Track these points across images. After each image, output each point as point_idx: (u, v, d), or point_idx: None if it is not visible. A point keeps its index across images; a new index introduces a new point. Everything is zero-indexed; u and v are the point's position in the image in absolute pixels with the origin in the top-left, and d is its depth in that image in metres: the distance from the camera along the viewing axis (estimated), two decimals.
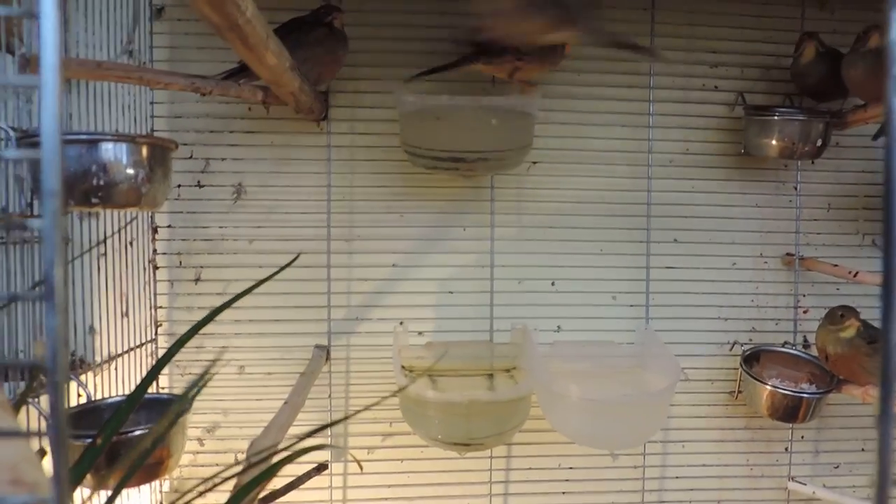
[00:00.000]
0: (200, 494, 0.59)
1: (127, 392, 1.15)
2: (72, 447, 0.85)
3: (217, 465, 1.28)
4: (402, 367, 1.25)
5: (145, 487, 1.21)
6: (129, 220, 1.18)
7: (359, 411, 1.25)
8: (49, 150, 0.25)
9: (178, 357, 1.28)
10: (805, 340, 1.38)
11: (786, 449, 1.39)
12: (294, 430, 1.29)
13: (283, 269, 0.86)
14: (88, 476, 0.86)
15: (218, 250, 1.29)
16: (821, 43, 1.24)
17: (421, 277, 1.32)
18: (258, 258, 1.28)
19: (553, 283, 1.34)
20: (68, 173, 0.79)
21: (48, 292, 0.26)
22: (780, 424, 1.36)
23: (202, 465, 1.30)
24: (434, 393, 1.08)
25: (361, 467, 1.27)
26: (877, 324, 1.26)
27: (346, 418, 1.28)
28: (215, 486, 0.59)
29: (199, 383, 0.67)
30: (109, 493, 0.78)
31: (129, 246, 1.22)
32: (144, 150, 0.83)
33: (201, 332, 1.28)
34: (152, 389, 1.22)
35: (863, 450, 1.39)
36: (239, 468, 0.71)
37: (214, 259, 1.29)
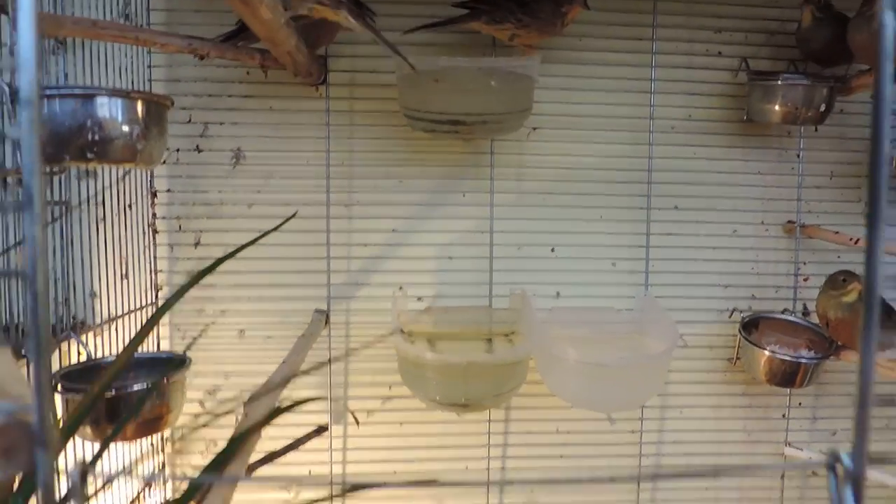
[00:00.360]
0: (194, 430, 0.60)
1: None
2: (70, 401, 0.86)
3: (219, 426, 1.30)
4: (402, 331, 1.26)
5: (147, 444, 1.23)
6: (123, 174, 1.18)
7: (358, 348, 1.26)
8: (25, 51, 0.25)
9: (178, 320, 1.30)
10: (805, 308, 1.38)
11: (783, 415, 1.39)
12: (293, 394, 1.30)
13: (280, 226, 0.86)
14: (89, 430, 0.87)
15: (217, 215, 1.29)
16: (818, 7, 1.22)
17: (420, 243, 1.32)
18: (258, 223, 1.28)
19: (553, 250, 1.34)
20: (63, 128, 0.79)
21: (27, 201, 0.26)
22: (778, 391, 1.36)
23: (204, 427, 1.31)
24: (432, 354, 1.08)
25: (358, 423, 1.28)
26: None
27: (346, 355, 1.29)
28: (204, 425, 0.59)
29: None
30: (111, 445, 0.79)
31: (127, 209, 1.22)
32: (139, 106, 0.83)
33: (201, 295, 1.29)
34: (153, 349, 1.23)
35: None
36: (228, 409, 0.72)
37: (214, 223, 1.29)
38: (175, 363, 1.02)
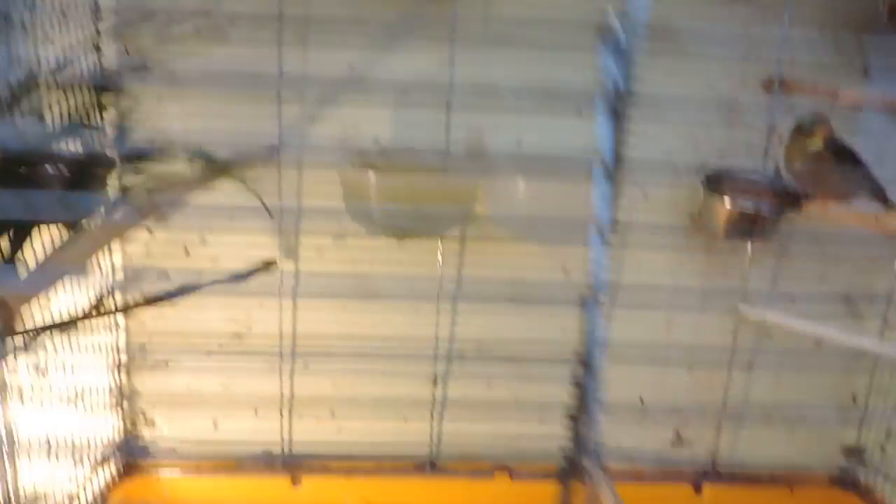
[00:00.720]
0: None
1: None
2: None
3: (168, 253, 1.31)
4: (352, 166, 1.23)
5: None
6: None
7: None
8: None
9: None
10: (776, 168, 1.33)
11: (742, 276, 1.37)
12: (241, 237, 1.28)
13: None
14: None
15: (165, 34, 1.24)
16: None
17: (379, 78, 1.27)
18: (208, 45, 1.23)
19: (515, 94, 1.29)
20: None
21: None
22: (739, 251, 1.34)
23: (154, 255, 1.33)
24: (374, 174, 1.05)
25: (271, 215, 1.25)
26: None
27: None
28: None
29: None
30: None
31: (62, 18, 1.16)
32: None
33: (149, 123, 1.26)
34: None
35: (822, 278, 1.38)
36: None
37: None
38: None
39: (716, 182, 1.27)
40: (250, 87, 1.25)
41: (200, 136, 1.27)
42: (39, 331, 0.97)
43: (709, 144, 1.33)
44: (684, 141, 1.33)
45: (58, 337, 1.16)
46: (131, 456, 1.47)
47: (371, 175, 1.04)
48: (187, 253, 1.35)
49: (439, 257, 1.32)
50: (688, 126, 1.32)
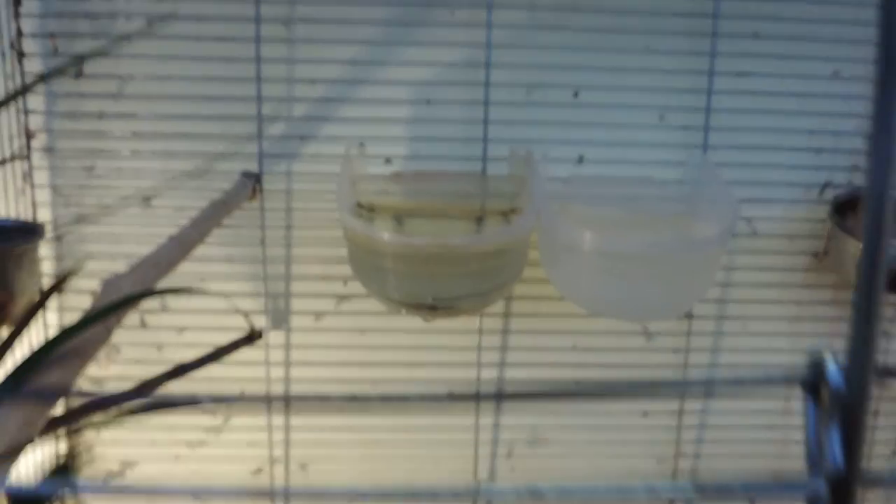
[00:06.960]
0: None
1: None
2: None
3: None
4: (360, 204, 1.04)
5: None
6: None
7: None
8: None
9: (61, 181, 1.10)
10: None
11: (885, 331, 1.17)
12: (208, 286, 1.11)
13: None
14: None
15: (107, 31, 1.06)
16: None
17: (390, 80, 1.09)
18: (162, 46, 1.05)
19: (576, 94, 1.11)
20: None
21: None
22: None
23: None
24: (390, 235, 0.86)
25: (257, 336, 1.06)
26: None
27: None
28: None
29: None
30: None
31: None
32: None
33: (91, 147, 1.09)
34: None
35: None
36: None
37: (103, 46, 1.06)
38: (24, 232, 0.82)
39: (850, 209, 1.07)
40: (220, 97, 1.07)
41: (157, 168, 1.09)
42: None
43: (836, 154, 1.13)
44: (803, 151, 1.13)
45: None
46: None
47: (385, 236, 0.84)
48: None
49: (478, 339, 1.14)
50: (811, 133, 1.12)
